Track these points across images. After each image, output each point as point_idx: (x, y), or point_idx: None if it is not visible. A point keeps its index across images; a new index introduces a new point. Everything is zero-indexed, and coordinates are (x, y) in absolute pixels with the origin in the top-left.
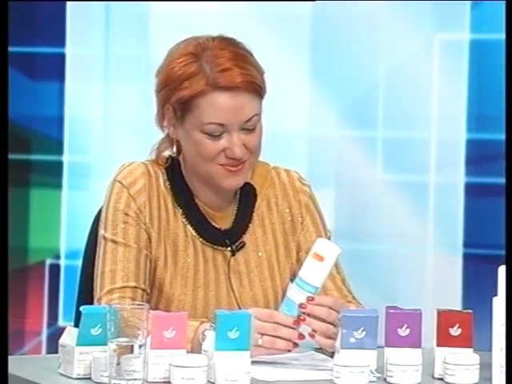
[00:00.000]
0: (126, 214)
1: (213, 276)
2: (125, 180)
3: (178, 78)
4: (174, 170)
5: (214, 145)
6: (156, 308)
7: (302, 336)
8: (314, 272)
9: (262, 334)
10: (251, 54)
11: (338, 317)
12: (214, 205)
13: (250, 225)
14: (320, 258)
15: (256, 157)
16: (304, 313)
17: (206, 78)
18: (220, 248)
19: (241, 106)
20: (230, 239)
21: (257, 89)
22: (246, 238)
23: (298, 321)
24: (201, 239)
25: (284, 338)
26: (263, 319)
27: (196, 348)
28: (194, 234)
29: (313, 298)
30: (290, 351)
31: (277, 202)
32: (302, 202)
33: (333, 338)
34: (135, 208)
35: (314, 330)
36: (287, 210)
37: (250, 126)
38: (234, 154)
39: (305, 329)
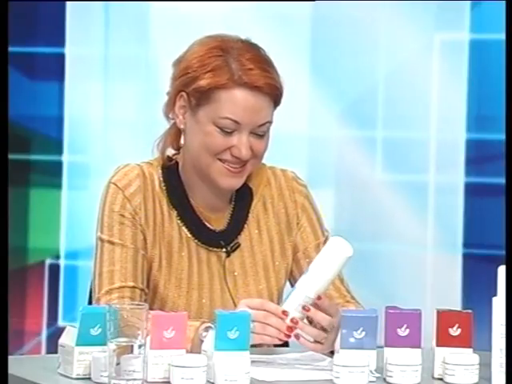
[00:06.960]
0: (122, 216)
1: (206, 278)
2: (120, 182)
3: (201, 67)
4: (170, 170)
5: (223, 140)
6: (150, 309)
7: (290, 328)
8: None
9: (254, 321)
10: (272, 63)
11: (332, 322)
12: (210, 206)
13: (246, 225)
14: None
15: (258, 162)
16: (307, 313)
17: (232, 73)
18: (215, 249)
19: (259, 108)
20: (224, 240)
21: (277, 94)
22: (241, 238)
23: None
24: (196, 241)
25: (273, 327)
26: (255, 307)
27: (196, 348)
28: (189, 235)
29: (319, 299)
30: (280, 341)
31: (273, 203)
32: (297, 202)
33: (321, 342)
34: (130, 209)
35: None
36: (283, 211)
37: (261, 132)
38: (240, 153)
39: None
